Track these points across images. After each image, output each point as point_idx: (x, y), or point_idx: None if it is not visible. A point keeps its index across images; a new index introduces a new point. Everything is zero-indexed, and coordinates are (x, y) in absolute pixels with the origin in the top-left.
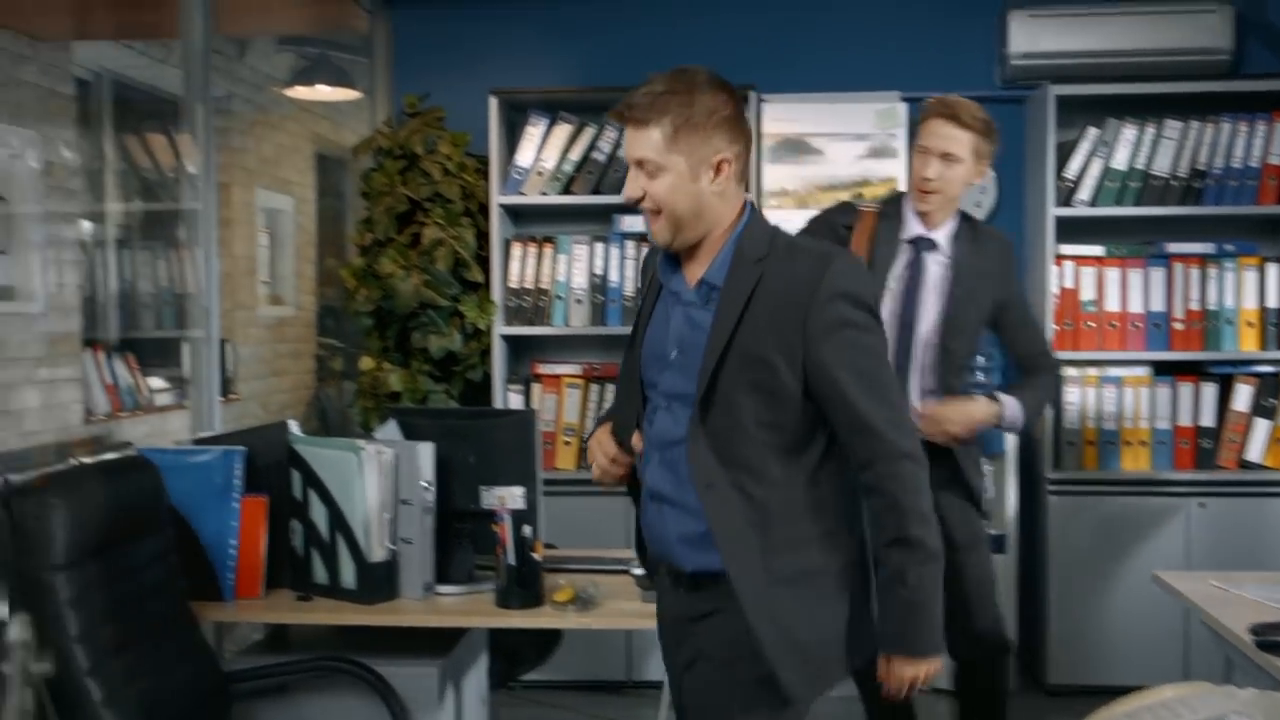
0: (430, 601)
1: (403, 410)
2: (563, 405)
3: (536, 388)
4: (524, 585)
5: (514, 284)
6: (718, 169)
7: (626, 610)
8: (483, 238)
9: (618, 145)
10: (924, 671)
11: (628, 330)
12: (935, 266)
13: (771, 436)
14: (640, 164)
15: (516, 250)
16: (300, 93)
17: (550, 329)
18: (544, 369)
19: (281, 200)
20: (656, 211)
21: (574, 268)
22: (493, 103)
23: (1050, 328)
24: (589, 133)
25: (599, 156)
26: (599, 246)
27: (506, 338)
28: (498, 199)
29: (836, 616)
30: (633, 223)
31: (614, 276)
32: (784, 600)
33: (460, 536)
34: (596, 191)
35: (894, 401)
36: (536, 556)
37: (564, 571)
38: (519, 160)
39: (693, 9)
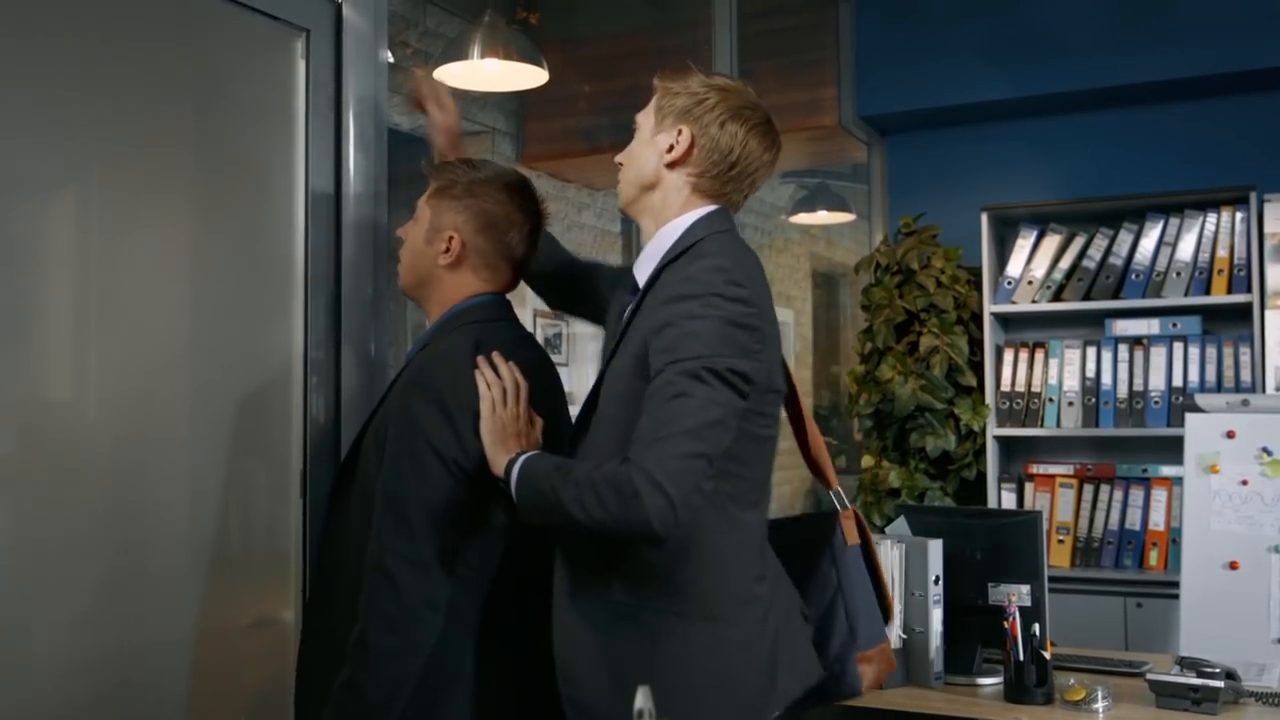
0: (940, 691)
1: (911, 508)
2: (1055, 504)
3: (1029, 486)
4: (1035, 682)
5: (1006, 387)
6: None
7: (1141, 716)
8: (975, 344)
9: (1108, 253)
10: None
11: (1122, 432)
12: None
13: None
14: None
15: (1008, 355)
16: (802, 218)
17: (1042, 430)
18: (1037, 469)
19: (784, 314)
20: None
21: (1066, 371)
22: (983, 218)
23: None
24: (1079, 242)
25: (1089, 264)
26: (1091, 350)
27: (999, 438)
28: (989, 308)
29: None
30: (1125, 326)
31: (1106, 379)
32: None
33: (967, 630)
34: (1087, 298)
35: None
36: (1046, 654)
37: (1072, 670)
38: (1009, 270)
39: (1183, 116)
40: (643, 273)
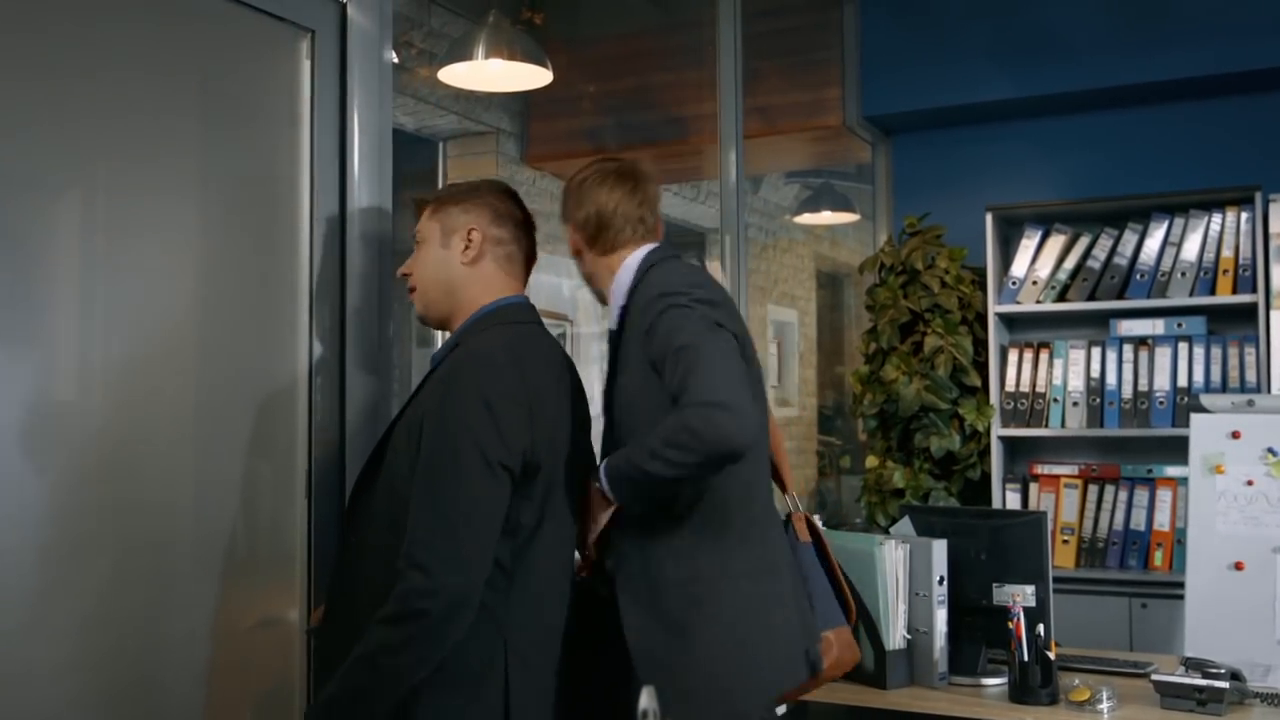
0: (945, 691)
1: (916, 508)
2: (1060, 504)
3: (1034, 487)
4: (1039, 682)
5: (1010, 388)
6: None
7: (1145, 717)
8: (980, 344)
9: (1113, 253)
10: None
11: (1127, 433)
12: None
13: None
14: None
15: (1013, 356)
16: (806, 219)
17: (1047, 430)
18: (1041, 469)
19: (788, 314)
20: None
21: (1070, 371)
22: (988, 218)
23: None
24: (1083, 242)
25: (1094, 264)
26: (1095, 350)
27: (1004, 439)
28: (994, 308)
29: None
30: (1130, 326)
31: (1111, 379)
32: None
33: (972, 630)
34: (1092, 298)
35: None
36: (1051, 655)
37: (1077, 671)
38: (1014, 271)
39: (1188, 116)
40: (617, 308)
